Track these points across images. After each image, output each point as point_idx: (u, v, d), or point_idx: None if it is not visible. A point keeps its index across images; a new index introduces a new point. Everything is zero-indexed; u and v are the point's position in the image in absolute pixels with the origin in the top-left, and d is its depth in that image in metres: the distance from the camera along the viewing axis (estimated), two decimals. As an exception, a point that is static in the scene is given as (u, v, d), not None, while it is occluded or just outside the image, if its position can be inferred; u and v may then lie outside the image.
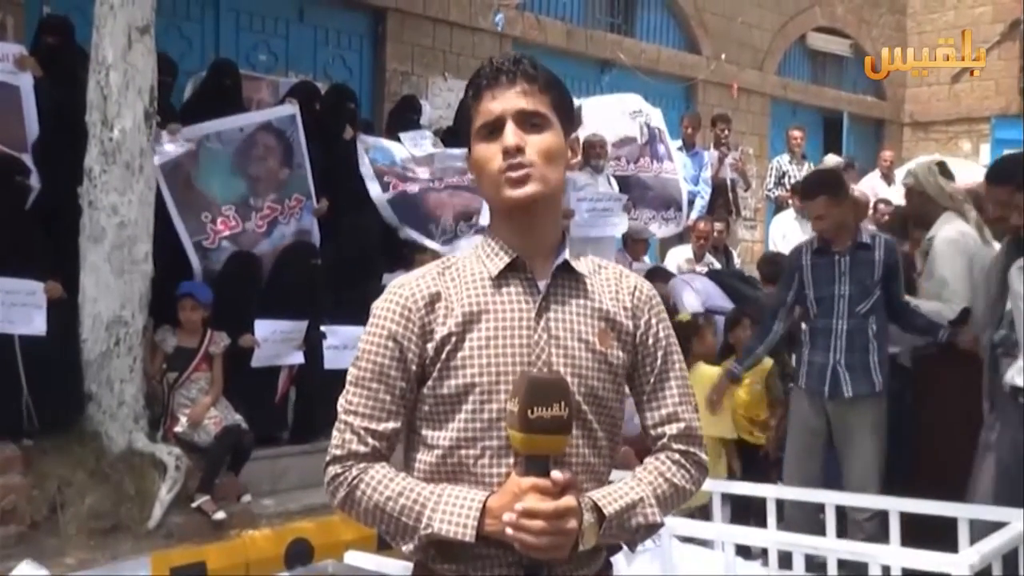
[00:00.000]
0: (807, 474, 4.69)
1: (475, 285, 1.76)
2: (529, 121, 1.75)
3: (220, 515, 4.87)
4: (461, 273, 1.79)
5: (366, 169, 6.79)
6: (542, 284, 1.78)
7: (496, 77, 1.77)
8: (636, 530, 1.75)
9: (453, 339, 1.72)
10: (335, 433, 1.76)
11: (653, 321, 1.85)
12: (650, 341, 1.84)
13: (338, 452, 1.74)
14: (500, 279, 1.77)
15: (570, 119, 1.84)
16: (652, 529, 1.77)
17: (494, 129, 1.75)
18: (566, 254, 1.80)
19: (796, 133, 11.27)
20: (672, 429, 1.83)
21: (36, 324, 4.76)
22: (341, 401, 1.78)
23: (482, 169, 1.77)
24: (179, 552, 4.62)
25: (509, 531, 1.59)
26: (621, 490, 1.74)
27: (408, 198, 6.88)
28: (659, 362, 1.84)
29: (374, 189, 6.75)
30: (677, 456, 1.83)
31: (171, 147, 5.70)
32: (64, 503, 4.66)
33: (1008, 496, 3.81)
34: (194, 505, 4.90)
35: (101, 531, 4.66)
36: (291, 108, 6.41)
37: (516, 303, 1.75)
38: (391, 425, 1.74)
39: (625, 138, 8.47)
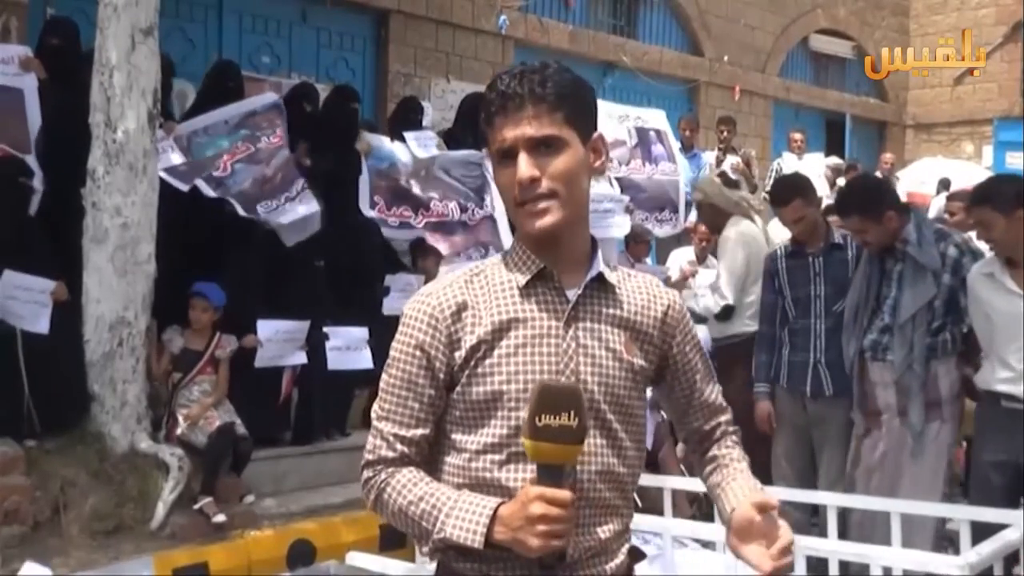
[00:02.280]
0: (798, 472, 4.80)
1: (504, 294, 1.78)
2: (542, 145, 1.72)
3: (220, 518, 4.87)
4: (489, 281, 1.81)
5: (364, 187, 6.81)
6: (571, 293, 1.79)
7: (503, 104, 1.73)
8: None
9: (483, 348, 1.75)
10: (369, 438, 1.82)
11: (688, 336, 1.93)
12: (689, 351, 1.93)
13: (370, 457, 1.81)
14: (528, 288, 1.79)
15: (589, 122, 1.81)
16: None
17: (508, 155, 1.74)
18: (600, 266, 1.82)
19: (797, 135, 11.31)
20: (724, 416, 1.99)
21: (41, 323, 4.77)
22: (374, 408, 1.83)
23: (503, 195, 1.81)
24: (181, 553, 4.62)
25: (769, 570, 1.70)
26: (749, 481, 1.89)
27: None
28: (700, 368, 1.95)
29: (364, 204, 6.78)
30: (735, 438, 2.00)
31: (176, 157, 5.69)
32: (67, 504, 4.66)
33: (985, 495, 3.95)
34: (196, 507, 4.90)
35: (103, 532, 4.67)
36: (272, 96, 6.48)
37: (545, 312, 1.77)
38: (420, 431, 1.79)
39: (614, 141, 8.47)
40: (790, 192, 4.82)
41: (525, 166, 1.71)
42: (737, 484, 1.87)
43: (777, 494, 4.30)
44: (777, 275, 4.85)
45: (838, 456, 4.66)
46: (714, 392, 1.97)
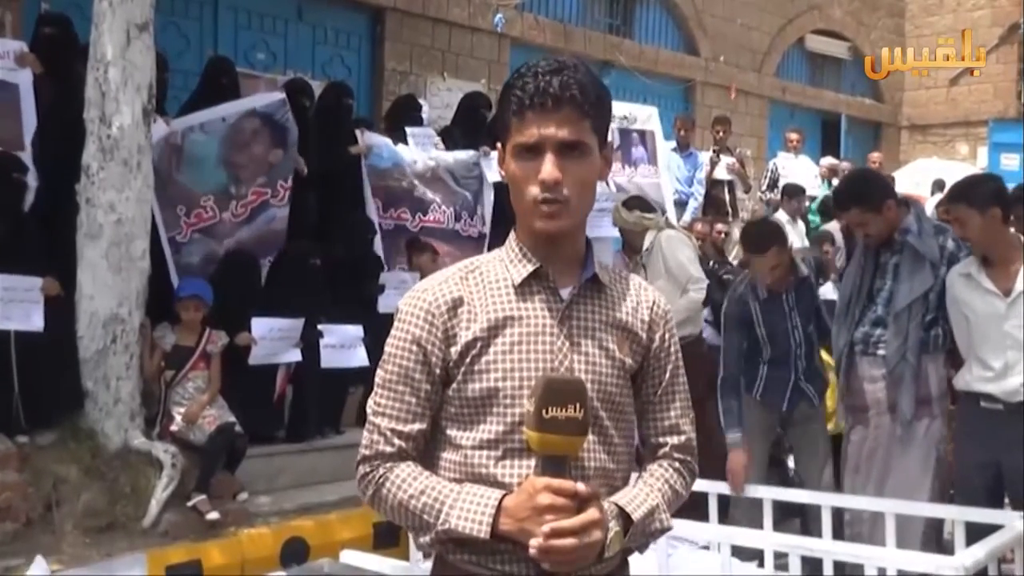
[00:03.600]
0: (759, 475, 4.79)
1: (499, 291, 1.79)
2: (570, 148, 1.73)
3: (213, 515, 4.86)
4: (485, 278, 1.82)
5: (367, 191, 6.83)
6: (565, 292, 1.80)
7: (543, 100, 1.72)
8: (651, 534, 1.81)
9: (478, 344, 1.75)
10: (365, 434, 1.82)
11: (666, 336, 1.91)
12: (662, 355, 1.90)
13: (366, 452, 1.81)
14: (524, 286, 1.79)
15: (607, 133, 1.83)
16: (663, 533, 1.84)
17: (532, 150, 1.73)
18: (595, 268, 1.83)
19: (793, 135, 11.31)
20: (674, 440, 1.91)
21: (34, 320, 4.74)
22: (370, 403, 1.83)
23: (516, 187, 1.78)
24: (175, 550, 4.61)
25: (535, 552, 1.62)
26: (640, 496, 1.80)
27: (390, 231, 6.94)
28: (667, 375, 1.90)
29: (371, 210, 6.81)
30: (678, 464, 1.91)
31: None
32: (60, 500, 4.65)
33: (968, 497, 3.97)
34: (189, 504, 4.89)
35: (96, 529, 4.65)
36: (278, 95, 6.44)
37: (540, 311, 1.78)
38: (416, 426, 1.79)
39: None
40: (767, 240, 4.72)
41: (552, 167, 1.72)
42: (625, 490, 1.81)
43: (775, 494, 4.33)
44: (749, 318, 4.76)
45: (820, 453, 4.77)
46: (675, 411, 1.90)
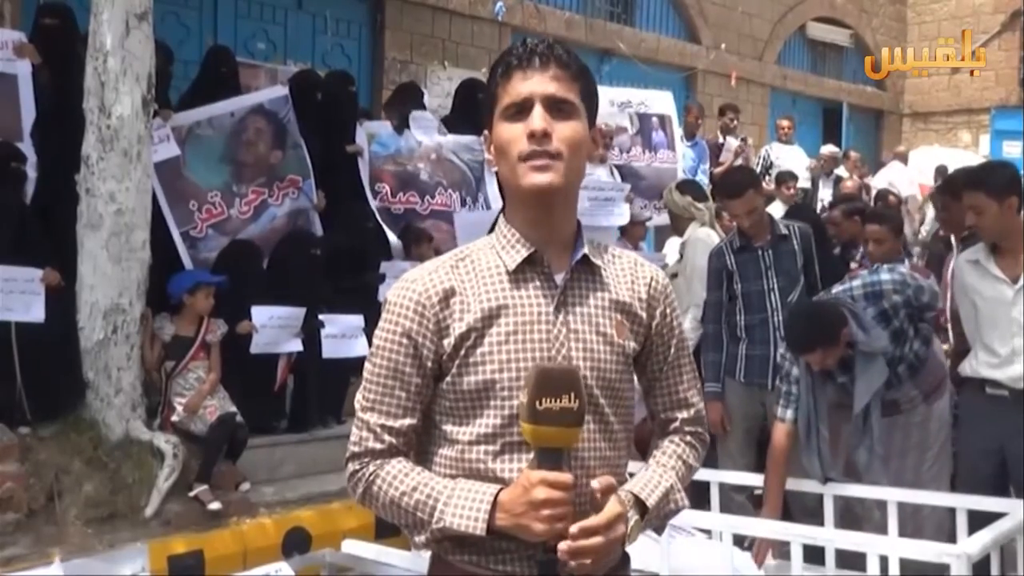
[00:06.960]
0: (750, 462, 4.82)
1: (492, 280, 1.75)
2: (558, 107, 1.72)
3: (215, 505, 4.86)
4: (476, 266, 1.78)
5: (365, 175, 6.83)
6: (559, 278, 1.77)
7: (529, 58, 1.73)
8: (667, 516, 1.82)
9: (472, 336, 1.72)
10: (353, 430, 1.78)
11: (668, 311, 1.89)
12: (664, 330, 1.88)
13: (356, 449, 1.77)
14: (517, 273, 1.76)
15: (595, 110, 1.82)
16: (679, 512, 1.85)
17: (521, 110, 1.72)
18: (585, 248, 1.80)
19: (784, 123, 11.31)
20: (684, 413, 1.91)
21: (34, 311, 4.73)
22: (358, 397, 1.79)
23: (504, 151, 1.75)
24: (177, 540, 4.61)
25: (563, 555, 1.60)
26: (653, 479, 1.80)
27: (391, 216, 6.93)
28: (672, 350, 1.89)
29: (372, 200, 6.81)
30: (689, 438, 1.92)
31: (173, 147, 5.66)
32: (61, 491, 4.64)
33: (972, 484, 3.96)
34: (191, 494, 4.89)
35: (98, 519, 4.65)
36: (282, 89, 6.41)
37: (535, 298, 1.75)
38: (407, 422, 1.75)
39: (616, 128, 8.47)
40: (743, 184, 4.77)
41: (540, 119, 1.70)
42: (639, 474, 1.83)
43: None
44: (725, 271, 4.81)
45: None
46: (683, 384, 1.91)
